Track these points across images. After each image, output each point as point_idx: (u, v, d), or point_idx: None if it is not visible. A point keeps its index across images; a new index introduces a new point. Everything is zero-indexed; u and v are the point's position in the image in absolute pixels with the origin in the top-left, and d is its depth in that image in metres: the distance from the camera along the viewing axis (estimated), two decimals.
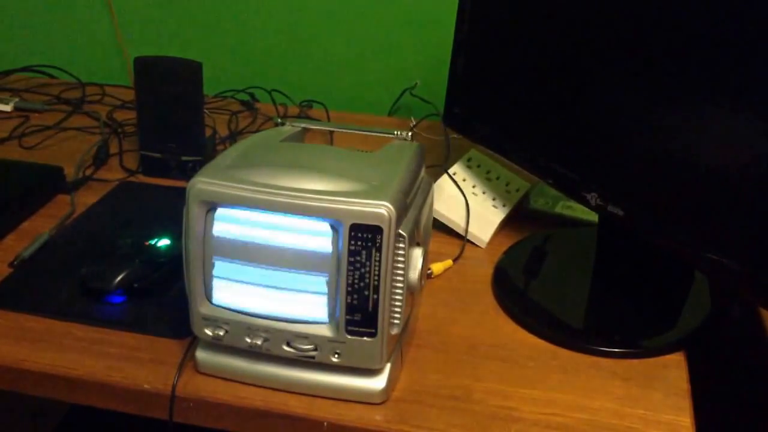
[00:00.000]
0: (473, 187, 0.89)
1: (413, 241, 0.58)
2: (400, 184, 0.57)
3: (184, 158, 0.96)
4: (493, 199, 0.88)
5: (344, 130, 0.72)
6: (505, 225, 0.87)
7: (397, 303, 0.57)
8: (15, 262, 0.78)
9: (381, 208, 0.53)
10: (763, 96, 0.55)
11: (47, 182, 0.92)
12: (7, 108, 1.17)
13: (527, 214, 0.90)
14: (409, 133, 0.68)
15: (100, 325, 0.69)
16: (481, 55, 0.83)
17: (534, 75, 0.76)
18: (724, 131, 0.58)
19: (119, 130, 1.09)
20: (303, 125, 0.71)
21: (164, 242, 0.75)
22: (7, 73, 1.27)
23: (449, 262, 0.80)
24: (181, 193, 0.57)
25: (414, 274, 0.57)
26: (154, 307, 0.72)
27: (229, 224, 0.57)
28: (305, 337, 0.58)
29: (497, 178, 0.92)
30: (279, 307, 0.58)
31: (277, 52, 1.25)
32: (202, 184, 0.56)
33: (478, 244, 0.84)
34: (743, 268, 0.59)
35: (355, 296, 0.56)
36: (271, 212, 0.55)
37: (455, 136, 0.98)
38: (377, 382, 0.61)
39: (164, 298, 0.73)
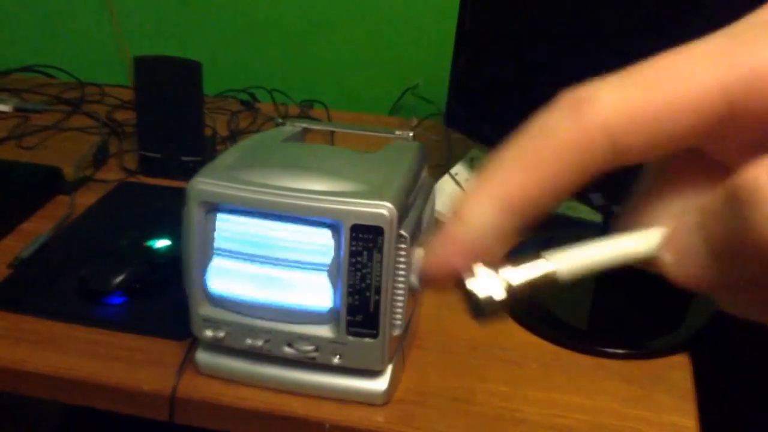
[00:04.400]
0: None
1: (415, 242, 0.57)
2: (401, 184, 0.56)
3: (183, 158, 0.95)
4: None
5: (345, 130, 0.72)
6: None
7: (399, 304, 0.56)
8: (14, 263, 0.77)
9: (382, 209, 0.53)
10: None
11: (46, 183, 0.92)
12: (7, 108, 1.17)
13: None
14: (411, 133, 0.68)
15: (100, 326, 0.69)
16: (483, 54, 0.83)
17: (536, 74, 0.76)
18: None
19: (119, 130, 1.09)
20: (303, 125, 0.71)
21: (164, 243, 0.75)
22: (7, 73, 1.26)
23: None
24: (180, 193, 0.57)
25: (415, 274, 0.57)
26: (154, 308, 0.71)
27: (229, 225, 0.56)
28: (306, 339, 0.58)
29: None
30: (280, 308, 0.58)
31: (277, 52, 1.25)
32: (202, 184, 0.56)
33: None
34: None
35: (357, 297, 0.55)
36: (271, 213, 0.55)
37: (457, 135, 0.97)
38: (379, 384, 0.60)
39: (164, 299, 0.72)
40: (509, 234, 0.21)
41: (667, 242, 0.21)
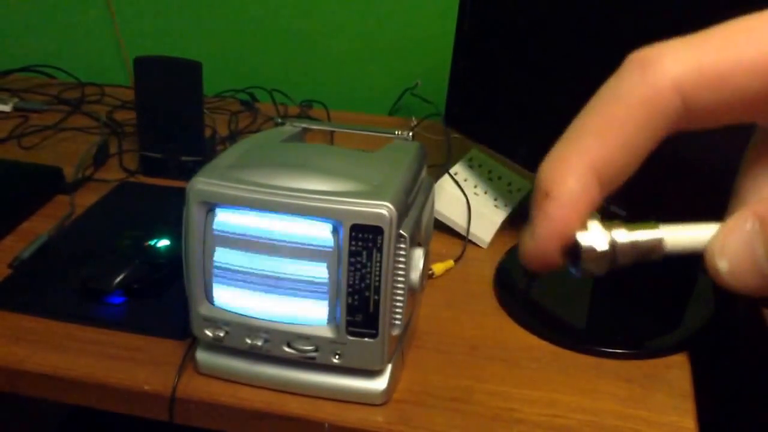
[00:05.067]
0: (475, 187, 0.89)
1: (414, 242, 0.57)
2: (401, 184, 0.56)
3: (183, 158, 0.95)
4: (495, 199, 0.88)
5: (345, 130, 0.72)
6: (506, 225, 0.87)
7: (398, 304, 0.57)
8: (14, 263, 0.77)
9: (382, 209, 0.53)
10: None
11: (46, 183, 0.92)
12: (7, 108, 1.17)
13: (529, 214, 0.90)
14: (410, 133, 0.68)
15: (100, 326, 0.69)
16: (482, 54, 0.83)
17: (535, 74, 0.76)
18: (727, 130, 0.58)
19: (119, 130, 1.09)
20: (303, 125, 0.71)
21: (164, 243, 0.75)
22: (7, 73, 1.26)
23: (450, 262, 0.80)
24: (180, 193, 0.57)
25: (415, 274, 0.57)
26: (154, 307, 0.72)
27: (229, 224, 0.56)
28: (306, 338, 0.58)
29: (499, 178, 0.91)
30: (279, 308, 0.58)
31: (277, 52, 1.25)
32: (202, 184, 0.56)
33: (479, 244, 0.84)
34: None
35: (356, 297, 0.55)
36: (271, 212, 0.55)
37: (456, 135, 0.97)
38: (378, 383, 0.60)
39: (164, 299, 0.72)
40: (598, 201, 0.21)
41: (721, 247, 0.20)
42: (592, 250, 0.22)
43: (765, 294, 0.19)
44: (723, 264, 0.20)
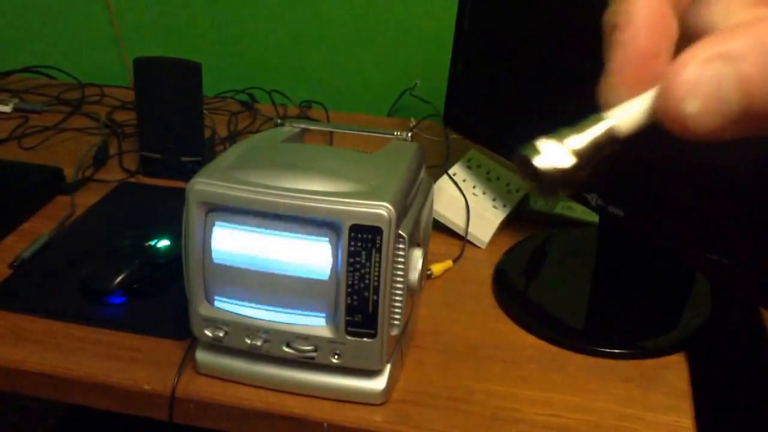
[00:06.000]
0: (473, 187, 0.89)
1: (413, 242, 0.57)
2: (400, 184, 0.57)
3: (183, 159, 0.96)
4: (493, 200, 0.88)
5: (344, 131, 0.72)
6: (505, 226, 0.87)
7: (397, 304, 0.57)
8: (15, 263, 0.78)
9: (381, 209, 0.53)
10: None
11: (47, 183, 0.92)
12: (7, 109, 1.17)
13: (527, 214, 0.90)
14: (409, 134, 0.68)
15: (100, 326, 0.69)
16: (481, 55, 0.83)
17: (534, 75, 0.76)
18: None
19: (119, 130, 1.09)
20: (302, 126, 0.71)
21: (164, 243, 0.75)
22: (7, 73, 1.27)
23: (449, 262, 0.80)
24: (180, 193, 0.57)
25: (414, 274, 0.57)
26: (153, 307, 0.72)
27: (229, 225, 0.57)
28: (305, 338, 0.58)
29: (497, 179, 0.91)
30: (279, 308, 0.58)
31: (277, 52, 1.25)
32: (202, 184, 0.56)
33: (478, 244, 0.84)
34: (743, 268, 0.59)
35: (355, 297, 0.55)
36: (270, 213, 0.55)
37: (455, 136, 0.98)
38: (377, 383, 0.61)
39: (164, 299, 0.73)
40: (671, 26, 0.20)
41: (693, 86, 0.19)
42: (555, 171, 0.21)
43: (716, 137, 0.19)
44: (695, 104, 0.19)
